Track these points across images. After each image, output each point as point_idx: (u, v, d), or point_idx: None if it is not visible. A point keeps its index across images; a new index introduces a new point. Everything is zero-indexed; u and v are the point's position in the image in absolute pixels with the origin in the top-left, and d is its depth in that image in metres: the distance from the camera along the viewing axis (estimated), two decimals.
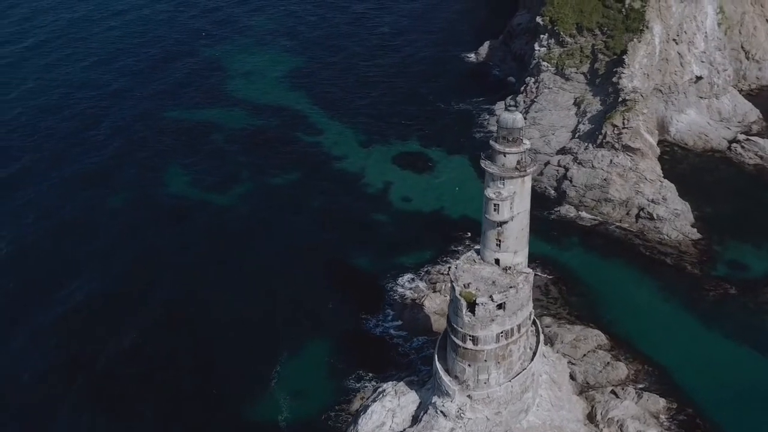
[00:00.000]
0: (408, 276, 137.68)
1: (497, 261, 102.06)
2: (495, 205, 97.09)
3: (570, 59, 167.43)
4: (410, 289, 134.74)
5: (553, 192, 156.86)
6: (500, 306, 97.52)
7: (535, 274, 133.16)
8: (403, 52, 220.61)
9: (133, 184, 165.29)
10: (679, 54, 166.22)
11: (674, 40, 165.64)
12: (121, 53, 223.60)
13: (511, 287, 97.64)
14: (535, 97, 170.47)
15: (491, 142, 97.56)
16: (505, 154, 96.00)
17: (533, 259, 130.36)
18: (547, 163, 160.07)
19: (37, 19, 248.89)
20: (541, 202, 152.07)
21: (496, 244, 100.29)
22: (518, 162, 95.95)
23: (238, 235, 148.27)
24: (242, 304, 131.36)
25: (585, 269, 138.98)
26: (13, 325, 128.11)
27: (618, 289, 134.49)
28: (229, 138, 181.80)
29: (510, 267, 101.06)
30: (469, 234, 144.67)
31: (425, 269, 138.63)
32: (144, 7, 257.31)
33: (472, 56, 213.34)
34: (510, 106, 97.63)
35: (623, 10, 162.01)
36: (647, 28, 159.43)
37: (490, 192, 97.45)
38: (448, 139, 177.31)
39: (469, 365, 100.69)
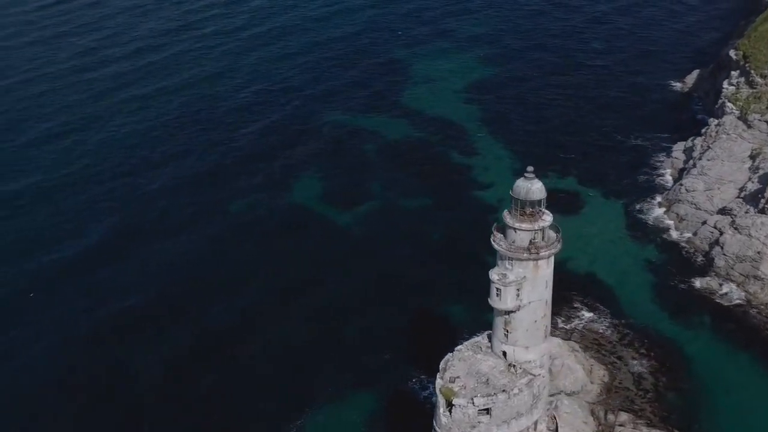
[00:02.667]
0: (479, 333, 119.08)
1: (505, 354, 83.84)
2: (497, 289, 79.39)
3: (756, 103, 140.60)
4: None
5: (700, 258, 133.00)
6: (486, 411, 79.59)
7: (632, 358, 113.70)
8: (602, 72, 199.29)
9: (260, 187, 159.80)
10: None
11: None
12: (310, 48, 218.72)
13: (502, 391, 79.56)
14: (712, 143, 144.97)
15: (504, 213, 79.72)
16: (515, 229, 77.86)
17: (640, 336, 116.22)
18: (703, 223, 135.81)
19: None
20: (683, 266, 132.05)
21: (504, 335, 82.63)
22: (531, 241, 77.42)
23: (335, 260, 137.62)
24: (297, 336, 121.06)
25: (701, 360, 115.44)
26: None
27: (736, 393, 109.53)
28: (380, 149, 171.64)
29: (517, 364, 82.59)
30: (585, 300, 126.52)
31: None
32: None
33: (677, 85, 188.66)
34: (528, 172, 78.94)
35: None
36: None
37: (493, 273, 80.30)
38: (610, 179, 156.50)
39: None
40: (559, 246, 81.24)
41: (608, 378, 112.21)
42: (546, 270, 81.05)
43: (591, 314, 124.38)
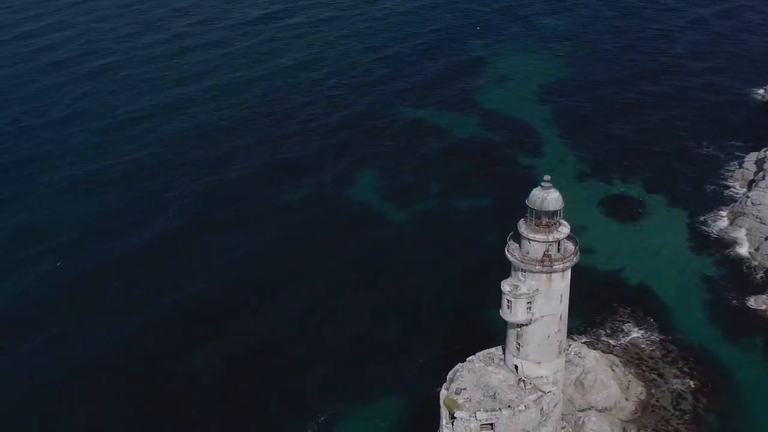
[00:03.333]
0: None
1: (517, 368, 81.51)
2: (508, 301, 76.98)
3: None
4: None
5: (761, 274, 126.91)
6: (490, 426, 77.46)
7: (674, 377, 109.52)
8: (685, 77, 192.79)
9: (326, 181, 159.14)
10: None
11: None
12: (391, 41, 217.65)
13: (507, 407, 77.13)
14: None
15: (520, 222, 77.31)
16: (529, 240, 75.37)
17: (685, 354, 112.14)
18: (767, 238, 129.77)
19: None
20: (741, 283, 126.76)
21: (516, 348, 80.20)
22: (545, 253, 74.76)
23: (387, 259, 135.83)
24: (345, 333, 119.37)
25: (746, 383, 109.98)
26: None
27: None
28: (446, 147, 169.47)
29: (528, 379, 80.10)
30: (634, 312, 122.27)
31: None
32: None
33: (760, 92, 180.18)
34: (545, 181, 76.26)
35: None
36: None
37: (505, 284, 77.92)
38: (677, 188, 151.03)
39: None
40: (575, 260, 78.10)
41: (645, 395, 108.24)
42: (560, 284, 78.01)
43: (638, 328, 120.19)
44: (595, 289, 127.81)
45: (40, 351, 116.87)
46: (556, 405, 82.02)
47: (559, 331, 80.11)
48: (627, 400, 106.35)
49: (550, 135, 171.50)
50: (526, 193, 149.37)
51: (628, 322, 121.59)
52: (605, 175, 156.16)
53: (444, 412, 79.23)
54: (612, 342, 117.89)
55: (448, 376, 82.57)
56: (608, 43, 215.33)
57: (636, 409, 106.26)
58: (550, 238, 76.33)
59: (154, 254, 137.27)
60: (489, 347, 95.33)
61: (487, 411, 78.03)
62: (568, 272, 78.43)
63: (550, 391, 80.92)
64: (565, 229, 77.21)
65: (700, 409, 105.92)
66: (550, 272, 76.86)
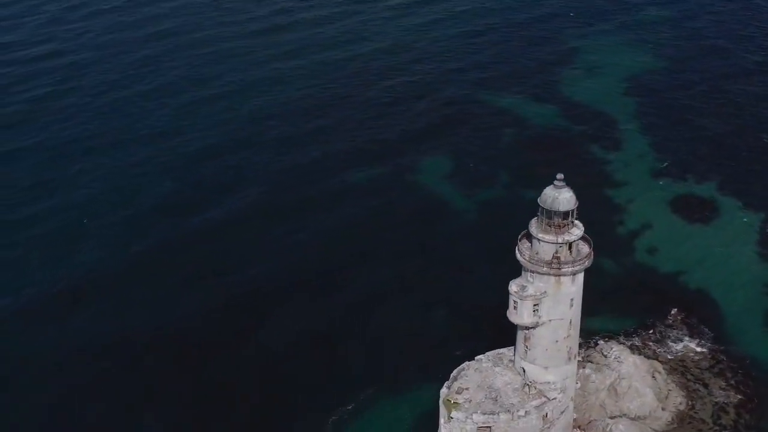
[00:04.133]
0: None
1: (524, 371, 79.40)
2: (514, 301, 74.88)
3: None
4: None
5: None
6: (488, 429, 75.68)
7: (720, 389, 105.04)
8: None
9: (392, 165, 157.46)
10: None
11: None
12: (483, 26, 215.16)
13: (507, 411, 75.17)
14: None
15: (532, 220, 75.08)
16: (539, 240, 73.08)
17: (734, 366, 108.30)
18: None
19: None
20: None
21: (524, 351, 77.99)
22: (555, 255, 72.40)
23: (441, 250, 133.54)
24: (378, 323, 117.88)
25: None
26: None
27: None
28: (522, 136, 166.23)
29: (534, 384, 77.91)
30: (688, 318, 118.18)
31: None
32: None
33: None
34: (558, 180, 73.71)
35: None
36: None
37: (513, 284, 75.79)
38: (755, 193, 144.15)
39: None
40: (587, 263, 74.92)
41: (685, 406, 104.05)
42: (570, 287, 75.05)
43: (690, 335, 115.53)
44: (651, 290, 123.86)
45: (94, 321, 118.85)
46: (562, 413, 79.04)
47: (568, 336, 77.13)
48: (664, 409, 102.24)
49: (632, 130, 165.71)
50: (596, 189, 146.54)
51: (680, 328, 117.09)
52: (681, 174, 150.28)
53: (442, 411, 77.34)
54: (659, 348, 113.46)
55: (452, 374, 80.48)
56: (713, 37, 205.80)
57: (672, 419, 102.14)
58: (560, 240, 73.34)
59: (223, 231, 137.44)
60: None
61: (485, 414, 75.58)
62: (580, 276, 75.28)
63: (555, 398, 77.89)
64: (577, 231, 74.08)
65: (741, 425, 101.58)
66: (558, 275, 73.72)
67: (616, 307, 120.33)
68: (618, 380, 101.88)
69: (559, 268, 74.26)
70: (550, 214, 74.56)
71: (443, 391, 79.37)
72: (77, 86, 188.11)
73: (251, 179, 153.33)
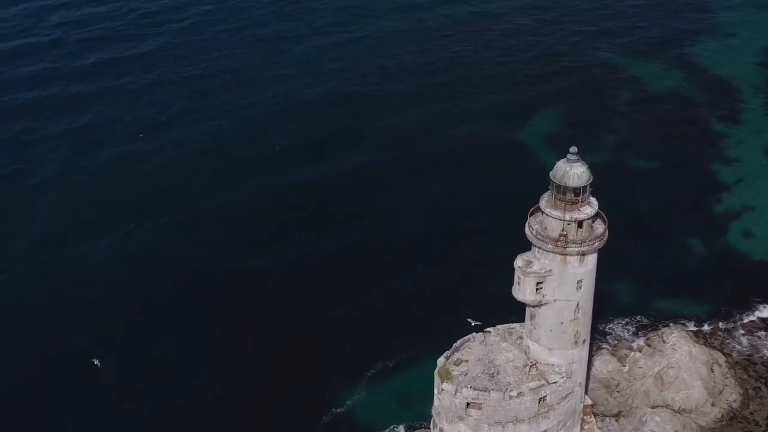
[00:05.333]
0: (627, 321, 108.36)
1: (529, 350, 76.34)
2: (518, 277, 71.74)
3: None
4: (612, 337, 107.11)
5: None
6: (478, 406, 73.26)
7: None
8: None
9: (500, 118, 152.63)
10: None
11: None
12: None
13: (499, 390, 72.40)
14: None
15: (544, 194, 71.48)
16: (547, 215, 69.57)
17: None
18: None
19: None
20: None
21: (530, 329, 74.84)
22: (562, 232, 68.76)
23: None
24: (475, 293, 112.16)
25: None
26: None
27: None
28: (635, 99, 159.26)
29: (537, 364, 74.72)
30: None
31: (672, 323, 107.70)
32: None
33: None
34: (571, 153, 69.57)
35: None
36: None
37: (519, 258, 72.53)
38: None
39: None
40: (598, 245, 70.12)
41: (739, 404, 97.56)
42: (577, 268, 70.52)
43: (766, 329, 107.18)
44: (736, 277, 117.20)
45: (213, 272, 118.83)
46: (565, 398, 74.89)
47: (575, 319, 72.68)
48: (714, 405, 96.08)
49: (756, 104, 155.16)
50: (702, 163, 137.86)
51: (758, 321, 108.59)
52: None
53: (436, 381, 74.72)
54: (728, 339, 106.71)
55: (454, 344, 77.42)
56: None
57: (722, 416, 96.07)
58: (567, 217, 68.74)
59: (336, 188, 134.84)
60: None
61: (476, 389, 72.44)
62: (591, 258, 70.54)
63: (555, 382, 73.75)
64: (588, 209, 69.23)
65: None
66: (564, 254, 69.32)
67: (696, 291, 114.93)
68: (666, 368, 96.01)
69: (565, 247, 69.64)
70: (561, 189, 69.71)
71: (440, 360, 76.59)
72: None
73: (372, 137, 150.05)
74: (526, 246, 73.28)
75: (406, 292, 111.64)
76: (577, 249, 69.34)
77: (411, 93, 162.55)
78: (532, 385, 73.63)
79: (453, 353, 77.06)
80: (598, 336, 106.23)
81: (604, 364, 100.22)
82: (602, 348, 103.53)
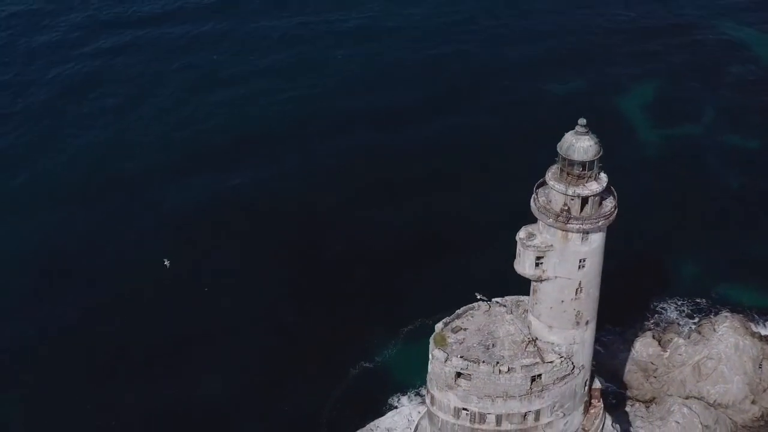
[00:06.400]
0: (682, 302, 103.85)
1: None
2: (519, 249, 69.90)
3: None
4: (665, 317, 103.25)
5: None
6: (468, 377, 72.18)
7: None
8: None
9: (599, 84, 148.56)
10: None
11: None
12: None
13: (488, 363, 71.05)
14: None
15: (552, 166, 69.06)
16: (551, 188, 67.33)
17: None
18: None
19: None
20: None
21: (533, 303, 72.89)
22: (564, 207, 66.46)
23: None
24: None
25: None
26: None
27: None
28: (747, 74, 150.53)
29: (537, 341, 72.88)
30: None
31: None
32: None
33: None
34: (580, 125, 66.68)
35: None
36: None
37: (523, 229, 70.44)
38: None
39: (429, 423, 78.51)
40: (602, 224, 66.69)
41: None
42: (579, 247, 67.33)
43: None
44: None
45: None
46: (562, 380, 72.02)
47: (576, 299, 69.60)
48: (754, 403, 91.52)
49: None
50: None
51: None
52: None
53: (431, 347, 73.37)
54: None
55: (457, 311, 75.61)
56: None
57: (762, 416, 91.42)
58: (570, 192, 65.47)
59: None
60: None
61: (465, 360, 70.70)
62: (596, 237, 67.09)
63: (551, 362, 71.14)
64: (594, 186, 65.70)
65: None
66: (564, 230, 66.29)
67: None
68: (705, 359, 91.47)
69: (566, 223, 66.36)
70: (566, 161, 66.36)
71: (438, 325, 74.89)
72: None
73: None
74: None
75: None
76: (578, 226, 65.91)
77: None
78: (526, 362, 71.14)
79: (453, 320, 75.20)
80: (647, 314, 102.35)
81: (645, 347, 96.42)
82: (647, 329, 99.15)
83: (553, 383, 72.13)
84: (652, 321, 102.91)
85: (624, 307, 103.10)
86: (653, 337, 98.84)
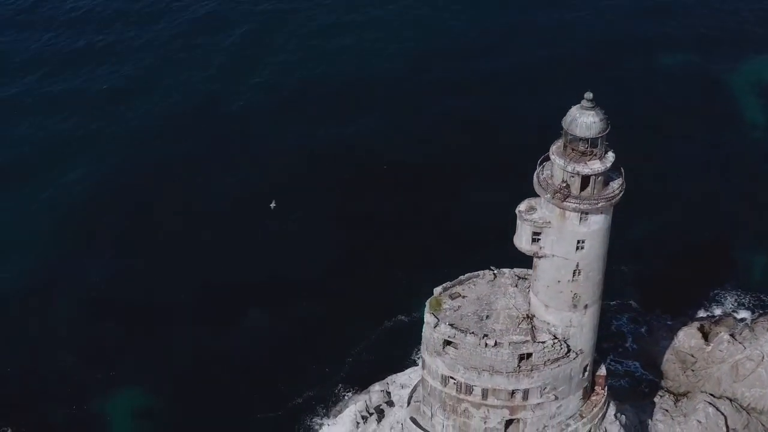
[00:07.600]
0: (743, 295, 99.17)
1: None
2: (517, 222, 68.41)
3: None
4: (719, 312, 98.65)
5: None
6: (454, 345, 71.53)
7: None
8: None
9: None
10: None
11: None
12: None
13: (474, 333, 70.14)
14: None
15: (556, 140, 66.91)
16: (552, 161, 65.44)
17: None
18: None
19: None
20: None
21: (533, 279, 71.34)
22: (563, 183, 64.50)
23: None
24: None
25: None
26: None
27: None
28: None
29: (535, 319, 71.37)
30: None
31: None
32: None
33: None
34: (586, 99, 63.98)
35: None
36: None
37: (524, 203, 68.76)
38: None
39: (422, 387, 78.22)
40: (603, 205, 63.53)
41: None
42: (577, 227, 64.35)
43: None
44: None
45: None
46: (555, 363, 69.65)
47: (574, 281, 66.73)
48: None
49: None
50: None
51: None
52: None
53: (426, 309, 72.37)
54: None
55: (460, 277, 74.01)
56: None
57: None
58: (569, 168, 62.54)
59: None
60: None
61: (454, 328, 69.43)
62: (596, 218, 63.92)
63: (543, 342, 68.90)
64: (596, 165, 62.39)
65: None
66: (561, 207, 63.62)
67: None
68: (744, 359, 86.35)
69: (562, 200, 63.46)
70: (570, 136, 63.30)
71: (437, 289, 73.34)
72: None
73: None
74: None
75: None
76: (575, 205, 62.85)
77: None
78: (515, 338, 68.93)
79: (454, 286, 73.49)
80: (704, 303, 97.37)
81: (688, 337, 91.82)
82: (693, 319, 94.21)
83: (544, 364, 69.45)
84: (706, 311, 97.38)
85: (680, 292, 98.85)
86: (699, 328, 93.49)
